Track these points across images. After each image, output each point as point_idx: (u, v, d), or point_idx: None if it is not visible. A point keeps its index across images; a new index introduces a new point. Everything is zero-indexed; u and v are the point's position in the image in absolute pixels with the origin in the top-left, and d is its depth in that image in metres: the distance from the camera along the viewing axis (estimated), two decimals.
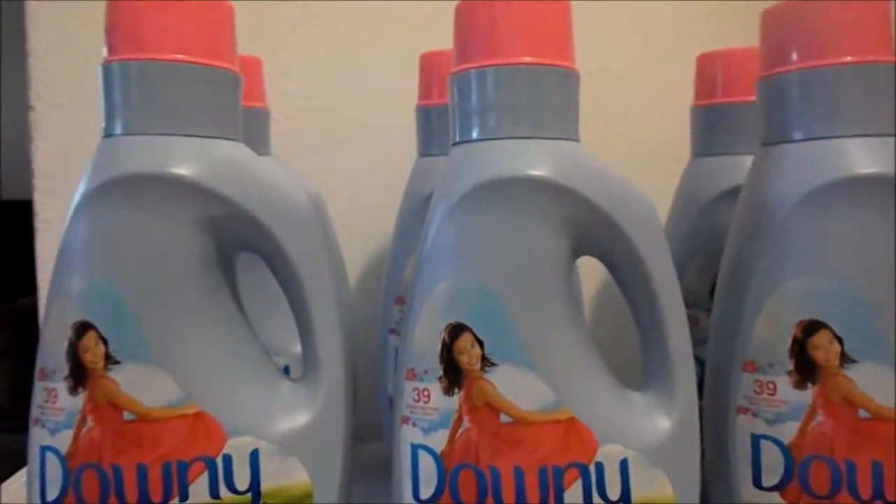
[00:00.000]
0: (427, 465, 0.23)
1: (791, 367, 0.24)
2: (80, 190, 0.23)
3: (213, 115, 0.24)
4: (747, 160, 0.28)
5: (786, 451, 0.24)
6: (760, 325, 0.24)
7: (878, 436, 0.23)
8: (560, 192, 0.23)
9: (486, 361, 0.23)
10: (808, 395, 0.24)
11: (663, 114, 0.42)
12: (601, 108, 0.45)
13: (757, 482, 0.24)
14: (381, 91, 0.44)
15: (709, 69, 0.35)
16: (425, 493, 0.23)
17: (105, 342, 0.22)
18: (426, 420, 0.23)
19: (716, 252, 0.30)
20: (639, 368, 0.32)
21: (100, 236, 0.23)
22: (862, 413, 0.23)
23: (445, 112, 0.25)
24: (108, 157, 0.23)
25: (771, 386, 0.24)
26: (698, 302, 0.33)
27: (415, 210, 0.35)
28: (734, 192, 0.32)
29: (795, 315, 0.24)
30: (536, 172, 0.23)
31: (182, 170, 0.23)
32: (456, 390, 0.23)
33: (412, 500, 0.23)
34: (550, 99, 0.24)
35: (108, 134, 0.23)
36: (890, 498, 0.23)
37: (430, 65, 0.36)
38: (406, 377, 0.24)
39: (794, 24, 0.25)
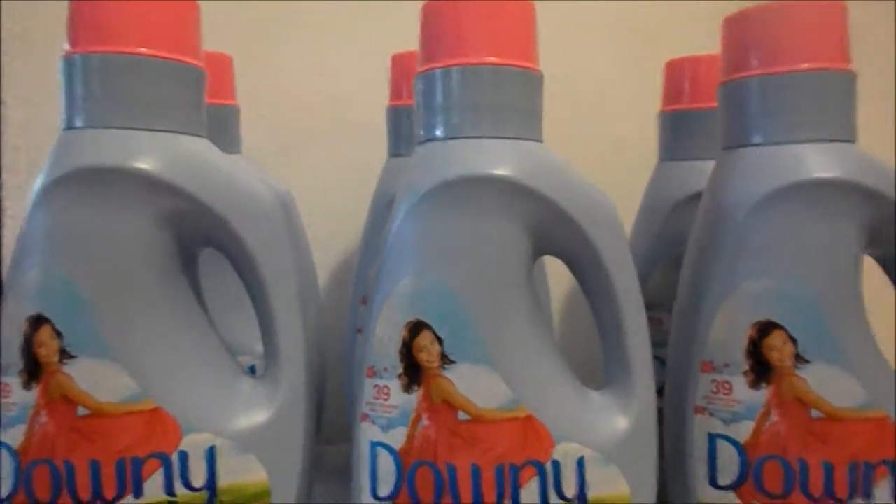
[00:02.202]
0: (386, 463, 0.23)
1: (747, 367, 0.24)
2: (39, 182, 0.23)
3: (177, 109, 0.24)
4: (713, 165, 0.28)
5: (741, 450, 0.24)
6: (717, 325, 0.25)
7: (829, 435, 0.23)
8: (521, 191, 0.23)
9: (445, 359, 0.23)
10: (763, 395, 0.24)
11: (633, 118, 0.43)
12: (573, 111, 0.45)
13: (713, 481, 0.25)
14: (352, 91, 0.44)
15: (676, 75, 0.35)
16: (384, 490, 0.23)
17: (60, 336, 0.22)
18: (385, 417, 0.23)
19: (681, 255, 0.31)
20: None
21: (58, 230, 0.23)
22: (814, 413, 0.23)
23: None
24: (67, 149, 0.23)
25: (727, 386, 0.24)
26: (663, 303, 0.34)
27: (384, 210, 0.35)
28: (699, 196, 0.32)
29: (751, 316, 0.24)
30: (498, 172, 0.23)
31: (143, 164, 0.23)
32: (415, 388, 0.23)
33: (370, 498, 0.23)
34: (514, 99, 0.24)
35: (69, 127, 0.23)
36: (840, 496, 0.23)
37: (401, 66, 0.36)
38: (367, 374, 0.24)
39: (753, 31, 0.25)
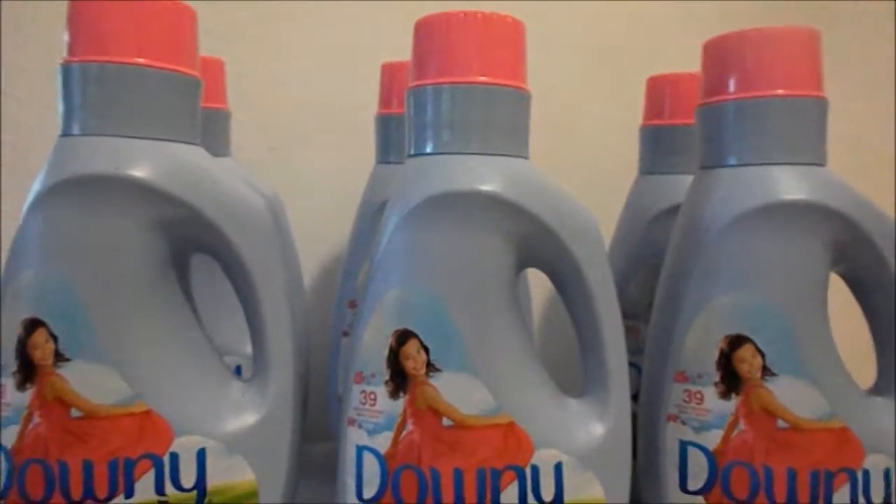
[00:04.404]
0: (371, 466, 0.24)
1: (717, 378, 0.25)
2: (36, 188, 0.23)
3: (172, 118, 0.24)
4: (690, 179, 0.30)
5: (710, 457, 0.25)
6: (691, 337, 0.26)
7: (793, 444, 0.25)
8: (507, 206, 0.24)
9: (430, 367, 0.24)
10: (732, 404, 0.25)
11: (614, 132, 0.44)
12: (555, 125, 0.46)
13: (683, 486, 0.26)
14: (342, 97, 0.45)
15: (657, 91, 0.36)
16: (368, 492, 0.24)
17: (55, 339, 0.23)
18: (371, 422, 0.24)
19: (657, 266, 0.32)
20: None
21: (53, 234, 0.23)
22: (780, 423, 0.25)
23: (404, 122, 0.26)
24: (64, 156, 0.23)
25: (699, 395, 0.26)
26: (640, 314, 0.35)
27: (370, 216, 0.36)
28: (676, 210, 0.33)
29: (723, 329, 0.25)
30: (485, 188, 0.24)
31: (137, 172, 0.23)
32: (401, 394, 0.24)
33: (355, 500, 0.24)
34: (502, 117, 0.25)
35: (66, 133, 0.24)
36: (803, 502, 0.24)
37: (391, 75, 0.36)
38: (354, 380, 0.25)
39: (731, 56, 0.26)
